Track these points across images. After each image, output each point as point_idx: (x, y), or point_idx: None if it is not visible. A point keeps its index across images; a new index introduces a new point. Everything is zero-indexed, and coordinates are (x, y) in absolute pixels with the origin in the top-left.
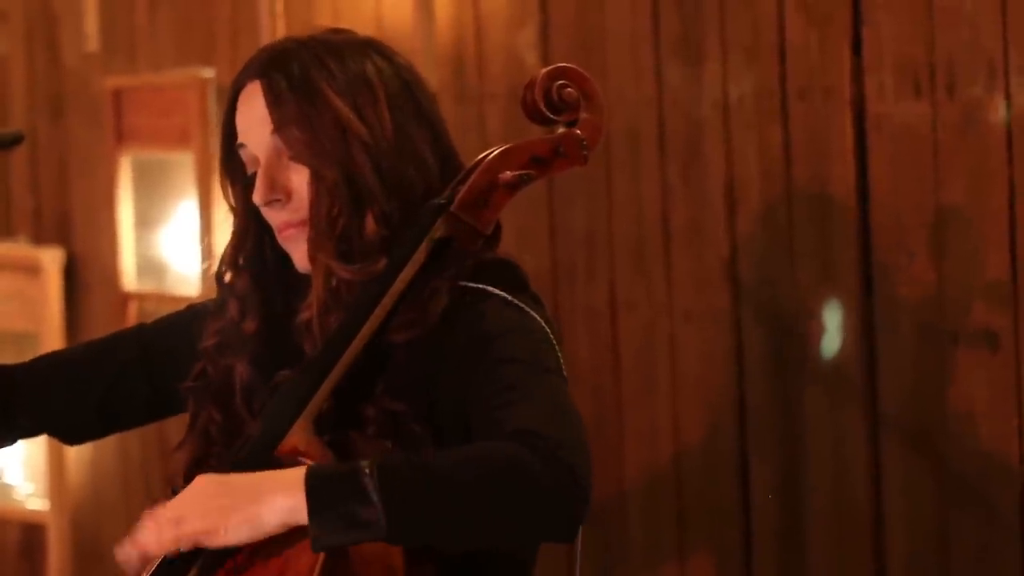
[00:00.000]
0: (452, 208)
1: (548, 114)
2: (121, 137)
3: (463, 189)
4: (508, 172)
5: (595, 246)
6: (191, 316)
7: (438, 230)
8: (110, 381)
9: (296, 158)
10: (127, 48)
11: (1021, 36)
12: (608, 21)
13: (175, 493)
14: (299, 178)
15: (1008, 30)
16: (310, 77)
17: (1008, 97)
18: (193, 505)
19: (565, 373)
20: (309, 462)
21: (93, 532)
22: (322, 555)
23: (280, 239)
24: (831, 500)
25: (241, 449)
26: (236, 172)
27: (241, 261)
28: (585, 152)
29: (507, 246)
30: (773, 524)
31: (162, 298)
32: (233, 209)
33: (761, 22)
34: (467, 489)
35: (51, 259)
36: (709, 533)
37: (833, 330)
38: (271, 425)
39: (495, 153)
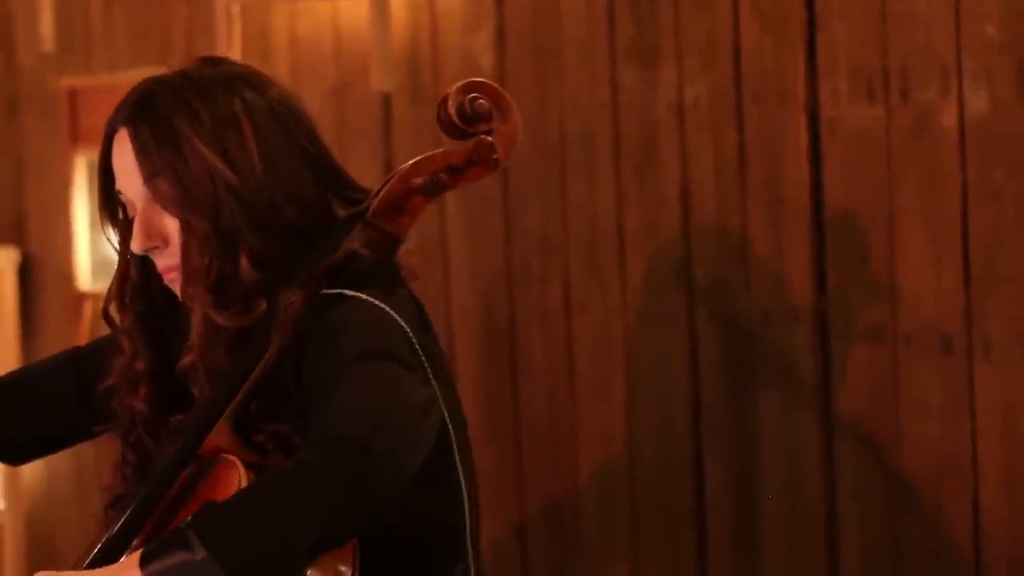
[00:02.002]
0: (368, 216)
1: (462, 126)
2: (76, 137)
3: (379, 197)
4: (420, 180)
5: (550, 248)
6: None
7: (355, 239)
8: (45, 408)
9: (165, 209)
10: (82, 48)
11: (974, 41)
12: (563, 24)
13: (104, 524)
14: (174, 224)
15: (961, 35)
16: (175, 125)
17: (961, 101)
18: None
19: (421, 356)
20: (232, 457)
21: (48, 531)
22: None
23: (166, 281)
24: (785, 501)
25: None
26: (116, 212)
27: (127, 299)
28: (495, 158)
29: (462, 248)
30: (727, 525)
31: None
32: (116, 248)
33: (716, 26)
34: (270, 508)
35: (6, 259)
36: (663, 534)
37: None
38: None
39: (411, 162)
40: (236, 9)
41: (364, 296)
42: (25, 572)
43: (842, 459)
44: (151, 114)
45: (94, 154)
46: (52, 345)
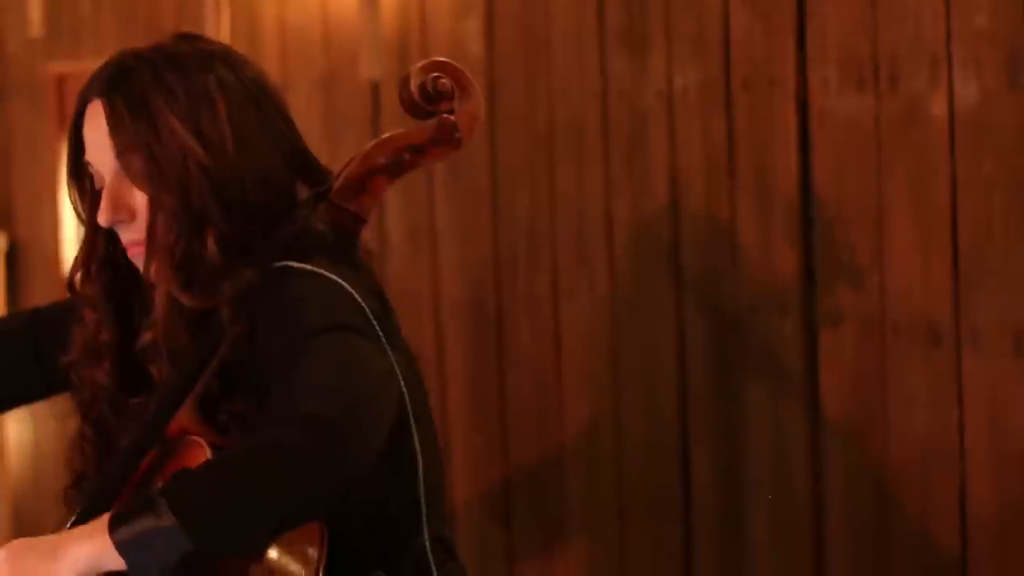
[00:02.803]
0: (330, 196)
1: (425, 106)
2: (64, 123)
3: (341, 177)
4: (383, 159)
5: (538, 236)
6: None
7: (318, 218)
8: (3, 365)
9: (135, 184)
10: (71, 35)
11: (964, 30)
12: (553, 11)
13: (67, 506)
14: (143, 199)
15: (951, 24)
16: (149, 99)
17: (951, 91)
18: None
19: (375, 325)
20: (198, 438)
21: (34, 518)
22: None
23: (130, 256)
24: (772, 492)
25: (123, 452)
26: (84, 182)
27: (93, 269)
28: (458, 136)
29: (450, 236)
30: (713, 515)
31: None
32: (82, 218)
33: (706, 14)
34: (240, 481)
35: None
36: (649, 524)
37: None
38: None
39: (373, 143)
40: None
41: (311, 267)
42: None
43: (828, 449)
44: (126, 87)
45: None
46: None
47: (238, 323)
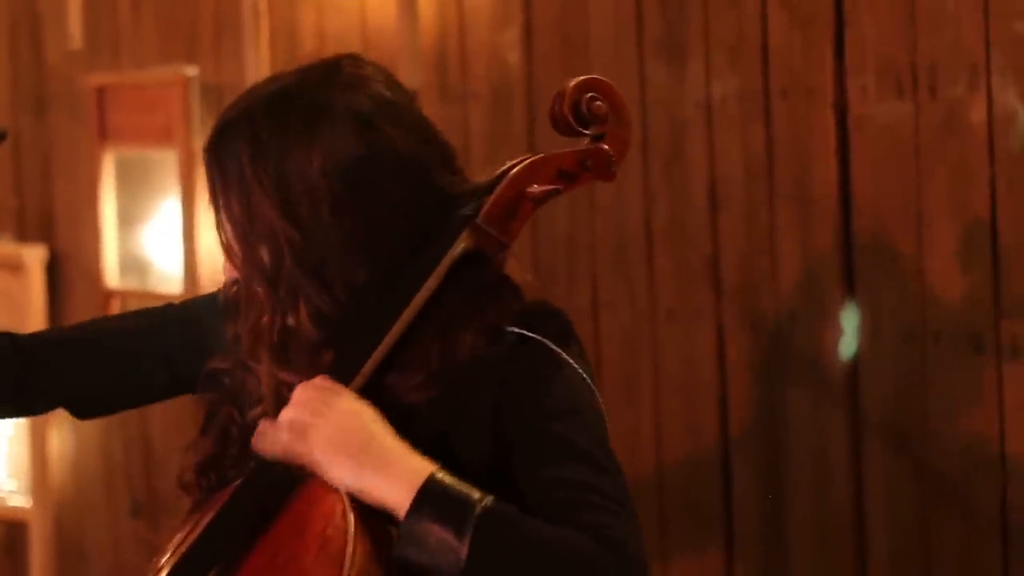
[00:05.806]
0: (478, 220)
1: (576, 127)
2: (104, 135)
3: (489, 201)
4: (536, 187)
5: (577, 246)
6: (214, 305)
7: (463, 242)
8: (128, 362)
9: (227, 259)
10: (111, 46)
11: (1003, 37)
12: (591, 21)
13: (185, 490)
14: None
15: (990, 31)
16: (245, 179)
17: (990, 97)
18: (328, 435)
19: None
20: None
21: (76, 531)
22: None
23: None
24: (814, 501)
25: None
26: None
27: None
28: (613, 168)
29: None
30: (755, 525)
31: (145, 296)
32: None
33: (744, 23)
34: (543, 569)
35: (34, 257)
36: (691, 534)
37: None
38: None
39: (522, 165)
40: (263, 5)
41: (576, 365)
42: (53, 572)
43: (870, 458)
44: (222, 154)
45: (122, 151)
46: None
47: (436, 385)
